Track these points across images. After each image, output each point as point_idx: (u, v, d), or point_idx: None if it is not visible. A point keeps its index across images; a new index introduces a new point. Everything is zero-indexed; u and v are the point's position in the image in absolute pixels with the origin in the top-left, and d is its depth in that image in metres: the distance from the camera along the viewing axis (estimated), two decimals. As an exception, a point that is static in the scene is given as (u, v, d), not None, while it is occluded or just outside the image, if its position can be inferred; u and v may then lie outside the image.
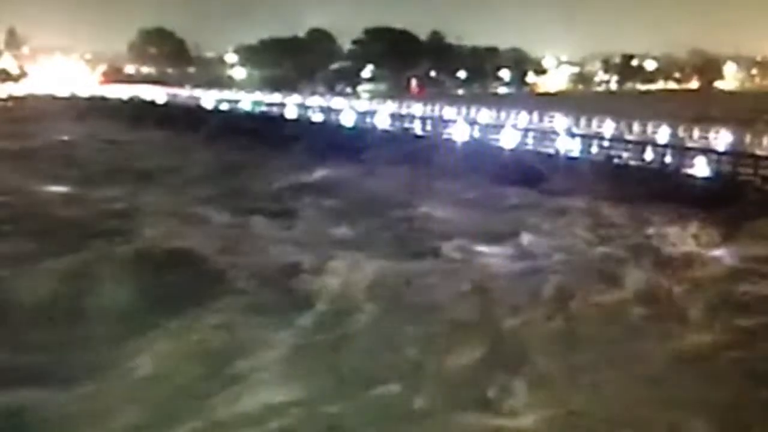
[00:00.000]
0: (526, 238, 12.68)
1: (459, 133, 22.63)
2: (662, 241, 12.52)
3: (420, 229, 13.68)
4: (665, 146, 17.63)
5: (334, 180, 19.46)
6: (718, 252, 11.86)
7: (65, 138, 32.14)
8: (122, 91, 53.72)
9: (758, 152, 15.80)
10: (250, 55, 78.23)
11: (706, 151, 16.54)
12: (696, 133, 18.24)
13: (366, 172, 20.11)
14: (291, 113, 33.17)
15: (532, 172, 18.19)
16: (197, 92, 45.17)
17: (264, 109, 36.28)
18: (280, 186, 18.88)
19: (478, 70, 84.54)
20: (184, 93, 46.78)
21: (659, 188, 15.60)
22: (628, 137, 19.08)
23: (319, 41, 78.83)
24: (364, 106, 30.92)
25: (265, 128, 31.47)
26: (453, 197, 16.65)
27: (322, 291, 9.41)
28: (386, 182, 18.72)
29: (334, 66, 78.82)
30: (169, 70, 74.63)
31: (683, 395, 6.61)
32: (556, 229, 13.52)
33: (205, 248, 11.63)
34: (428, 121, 25.29)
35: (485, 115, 24.60)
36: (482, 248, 11.97)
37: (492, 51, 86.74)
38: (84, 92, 61.43)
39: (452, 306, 9.03)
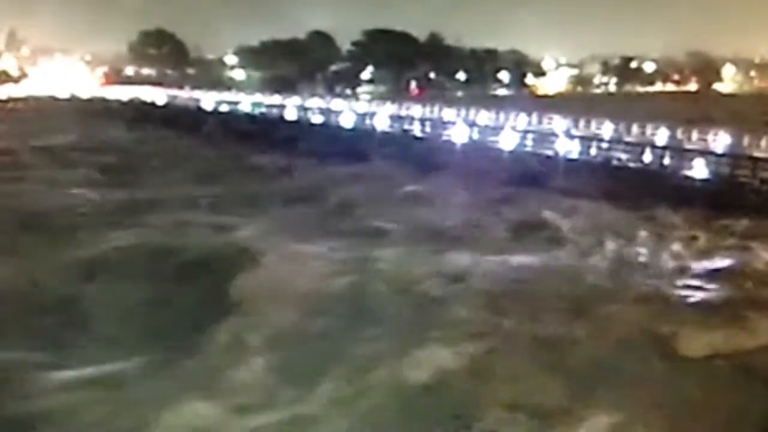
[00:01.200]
0: (534, 239, 12.74)
1: (458, 134, 22.70)
2: (666, 242, 12.55)
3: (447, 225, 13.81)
4: (664, 148, 17.74)
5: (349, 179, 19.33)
6: (719, 253, 11.92)
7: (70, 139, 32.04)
8: (122, 93, 53.79)
9: (756, 154, 15.90)
10: (249, 56, 78.34)
11: (705, 153, 16.65)
12: (694, 135, 18.37)
13: (373, 174, 19.97)
14: (291, 115, 33.23)
15: (531, 174, 18.25)
16: (197, 94, 45.23)
17: (264, 110, 36.34)
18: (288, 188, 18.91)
19: (477, 71, 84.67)
20: (184, 94, 46.85)
21: (658, 190, 15.66)
22: (627, 139, 19.19)
23: (319, 43, 78.96)
24: (363, 108, 31.01)
25: (264, 130, 31.55)
26: (459, 198, 16.62)
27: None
28: (391, 183, 18.75)
29: (334, 68, 78.94)
30: (169, 72, 74.69)
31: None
32: (561, 230, 13.55)
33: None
34: (428, 123, 25.37)
35: (484, 117, 24.70)
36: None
37: (491, 53, 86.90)
38: (84, 93, 61.51)
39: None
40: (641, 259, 11.50)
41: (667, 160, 17.00)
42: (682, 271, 10.96)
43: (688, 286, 10.18)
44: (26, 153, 26.25)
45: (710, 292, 9.89)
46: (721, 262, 11.39)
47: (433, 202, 16.19)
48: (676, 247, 12.27)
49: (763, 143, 16.19)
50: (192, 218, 14.40)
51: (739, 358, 7.51)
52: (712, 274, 10.73)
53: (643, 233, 13.14)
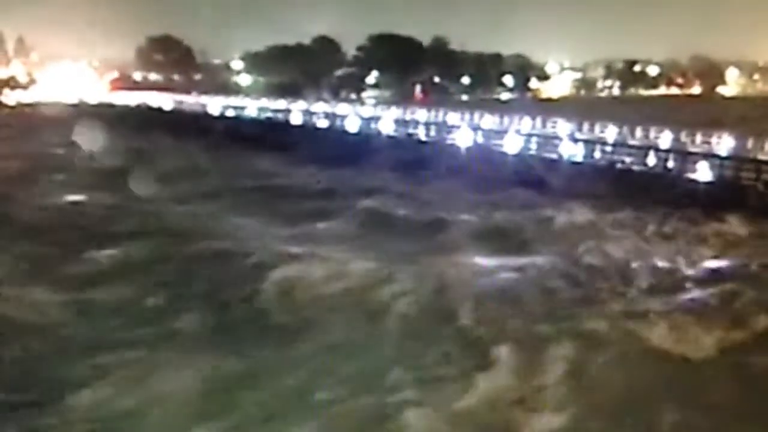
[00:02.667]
0: (540, 243, 12.91)
1: (463, 138, 22.89)
2: (669, 244, 12.66)
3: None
4: (668, 151, 17.83)
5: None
6: (722, 255, 12.02)
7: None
8: (130, 98, 54.38)
9: (760, 157, 15.97)
10: (255, 61, 78.99)
11: (709, 155, 16.73)
12: (698, 138, 18.43)
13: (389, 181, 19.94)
14: (296, 119, 33.54)
15: (535, 177, 18.40)
16: (204, 99, 45.66)
17: (269, 115, 36.69)
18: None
19: (482, 76, 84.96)
20: (191, 99, 47.32)
21: (662, 193, 15.77)
22: (631, 142, 19.28)
23: (324, 48, 79.53)
24: (368, 112, 31.25)
25: (270, 134, 31.87)
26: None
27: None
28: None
29: (339, 72, 79.43)
30: (176, 77, 75.45)
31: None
32: (561, 233, 13.71)
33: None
34: (432, 127, 25.57)
35: (489, 121, 24.85)
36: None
37: (495, 57, 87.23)
38: (92, 99, 62.21)
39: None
40: (640, 261, 11.60)
41: (671, 163, 17.11)
42: (683, 273, 11.08)
43: (690, 288, 10.32)
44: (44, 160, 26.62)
45: (711, 294, 10.01)
46: (724, 264, 11.50)
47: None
48: (679, 249, 12.39)
49: (766, 146, 16.25)
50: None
51: (739, 356, 7.66)
52: (714, 276, 10.85)
53: (645, 236, 13.26)
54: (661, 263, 11.50)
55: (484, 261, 11.51)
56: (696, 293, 10.09)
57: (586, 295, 9.88)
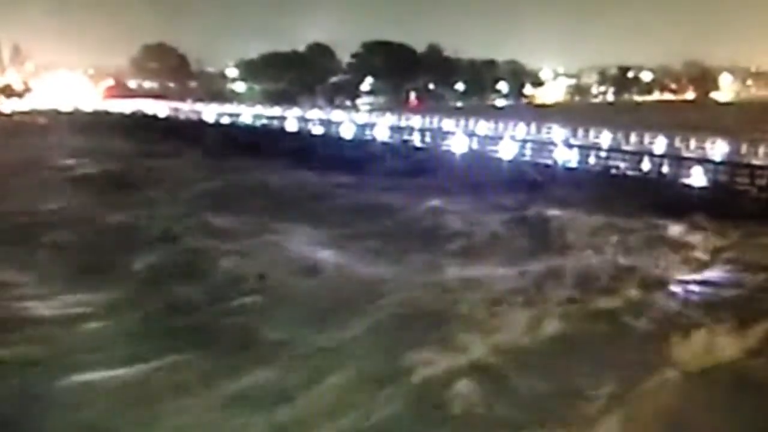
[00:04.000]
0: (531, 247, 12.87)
1: (458, 144, 22.90)
2: (663, 249, 12.62)
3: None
4: (662, 156, 17.89)
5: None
6: (716, 260, 11.99)
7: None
8: (125, 106, 54.27)
9: (754, 162, 16.03)
10: (250, 69, 79.10)
11: (703, 161, 16.78)
12: (692, 143, 18.48)
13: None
14: (291, 126, 33.53)
15: (531, 182, 18.39)
16: (198, 106, 45.69)
17: (264, 122, 36.68)
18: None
19: (476, 82, 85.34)
20: (186, 107, 47.30)
21: (657, 198, 15.77)
22: (626, 148, 19.33)
23: (319, 55, 79.76)
24: (363, 119, 31.27)
25: (265, 141, 31.80)
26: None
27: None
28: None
29: (334, 79, 79.60)
30: (171, 85, 75.43)
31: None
32: (557, 238, 13.65)
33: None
34: (427, 133, 25.58)
35: (484, 127, 24.89)
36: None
37: (490, 63, 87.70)
38: (87, 107, 62.03)
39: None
40: (636, 265, 11.54)
41: (665, 168, 17.15)
42: (682, 276, 11.03)
43: (688, 291, 10.26)
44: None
45: (710, 296, 9.96)
46: (718, 270, 11.46)
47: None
48: (676, 253, 12.35)
49: (760, 151, 16.31)
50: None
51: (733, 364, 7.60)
52: (712, 279, 10.80)
53: (640, 240, 13.23)
54: (657, 266, 11.45)
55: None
56: (694, 296, 10.03)
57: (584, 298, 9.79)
